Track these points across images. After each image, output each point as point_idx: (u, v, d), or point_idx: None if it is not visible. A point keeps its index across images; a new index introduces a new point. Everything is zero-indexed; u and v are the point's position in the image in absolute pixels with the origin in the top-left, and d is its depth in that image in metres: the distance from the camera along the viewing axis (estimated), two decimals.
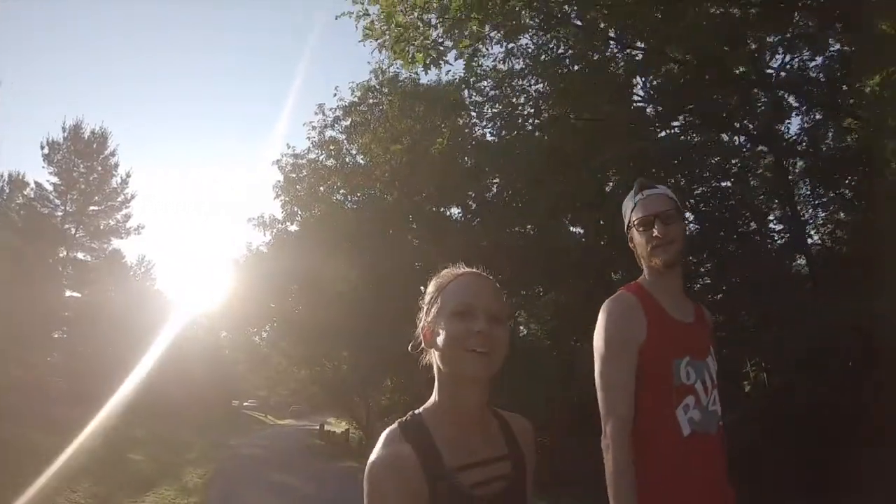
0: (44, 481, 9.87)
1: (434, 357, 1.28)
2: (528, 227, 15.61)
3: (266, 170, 22.00)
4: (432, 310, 1.31)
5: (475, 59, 10.54)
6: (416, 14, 7.71)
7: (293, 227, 22.15)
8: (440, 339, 1.25)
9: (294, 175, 21.81)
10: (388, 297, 16.69)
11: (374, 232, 17.46)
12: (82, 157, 27.85)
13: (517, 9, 8.73)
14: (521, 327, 18.23)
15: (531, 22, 10.02)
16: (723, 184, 14.70)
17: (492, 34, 9.54)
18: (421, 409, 1.29)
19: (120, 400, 20.92)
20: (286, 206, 21.68)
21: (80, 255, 28.74)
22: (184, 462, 15.81)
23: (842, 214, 14.46)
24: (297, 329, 23.84)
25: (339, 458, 19.88)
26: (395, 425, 1.24)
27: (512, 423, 1.40)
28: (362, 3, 7.59)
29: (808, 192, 14.58)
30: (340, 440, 27.02)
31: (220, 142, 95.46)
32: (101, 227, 29.01)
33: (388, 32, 7.81)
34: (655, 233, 2.05)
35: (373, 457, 1.17)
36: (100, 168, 28.51)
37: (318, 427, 32.84)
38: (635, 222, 2.11)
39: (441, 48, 8.37)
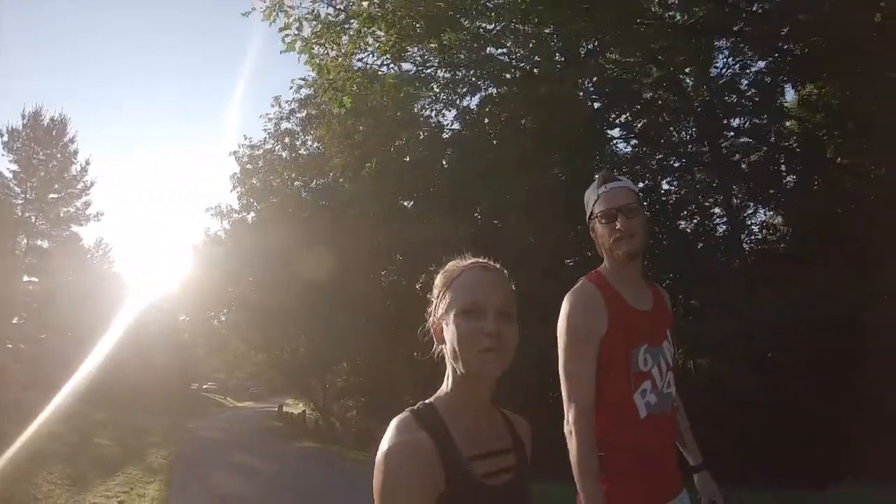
0: (17, 464, 10.71)
1: (446, 351, 1.29)
2: (478, 216, 16.41)
3: (225, 157, 22.54)
4: (441, 305, 1.32)
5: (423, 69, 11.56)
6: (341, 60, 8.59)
7: (251, 215, 22.92)
8: (450, 337, 1.27)
9: (251, 166, 22.57)
10: (345, 282, 17.41)
11: (331, 219, 18.04)
12: (42, 144, 28.23)
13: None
14: None
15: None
16: (664, 183, 15.83)
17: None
18: (432, 398, 1.31)
19: (81, 384, 21.70)
20: (242, 198, 22.46)
21: (39, 243, 28.96)
22: (147, 444, 16.54)
23: (779, 218, 15.63)
24: (254, 314, 24.60)
25: (297, 439, 20.77)
26: (406, 414, 1.26)
27: (513, 419, 1.44)
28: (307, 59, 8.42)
29: (746, 192, 15.41)
30: (298, 421, 27.93)
31: (180, 129, 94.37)
32: (61, 215, 29.30)
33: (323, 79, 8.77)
34: (618, 225, 2.12)
35: (387, 444, 1.17)
36: (59, 155, 28.97)
37: (276, 409, 33.57)
38: (598, 215, 2.18)
39: (369, 74, 9.37)
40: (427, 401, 1.30)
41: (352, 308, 18.46)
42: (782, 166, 14.51)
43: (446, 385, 1.30)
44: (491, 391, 1.32)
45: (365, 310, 18.47)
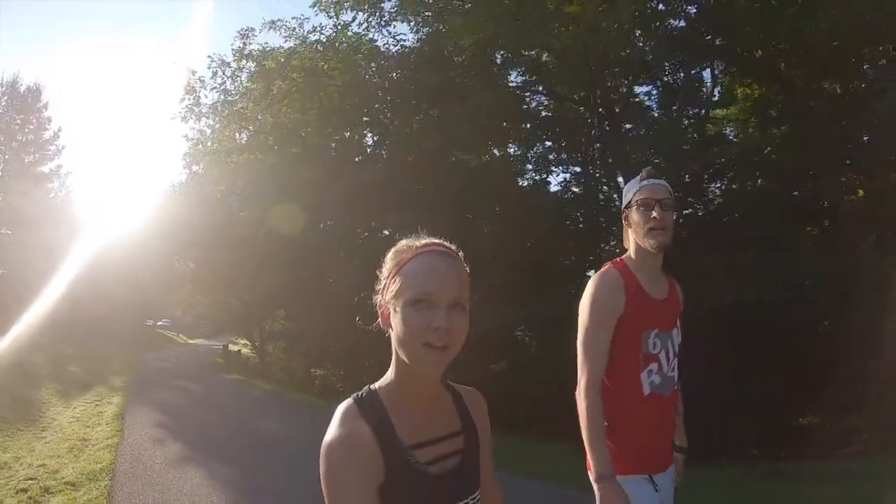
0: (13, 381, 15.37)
1: (392, 337, 1.23)
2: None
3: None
4: (390, 287, 1.23)
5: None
6: None
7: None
8: (396, 326, 1.20)
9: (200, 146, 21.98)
10: (286, 238, 18.18)
11: (278, 175, 17.99)
12: (19, 111, 31.63)
13: None
14: None
15: None
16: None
17: None
18: (376, 385, 1.27)
19: (48, 318, 24.75)
20: (192, 177, 23.59)
21: (14, 200, 31.66)
22: (109, 372, 21.00)
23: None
24: (206, 263, 26.87)
25: (230, 372, 25.45)
26: (350, 401, 1.23)
27: (465, 396, 1.40)
28: None
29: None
30: (235, 359, 31.75)
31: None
32: (37, 174, 32.46)
33: None
34: (654, 214, 2.31)
35: (329, 435, 1.15)
36: (34, 121, 32.37)
37: (222, 347, 36.34)
38: (638, 201, 2.36)
39: None
40: (371, 386, 1.27)
41: (279, 266, 20.00)
42: None
43: (392, 371, 1.27)
44: (438, 379, 1.29)
45: (291, 269, 19.85)
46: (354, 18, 16.42)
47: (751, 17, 12.76)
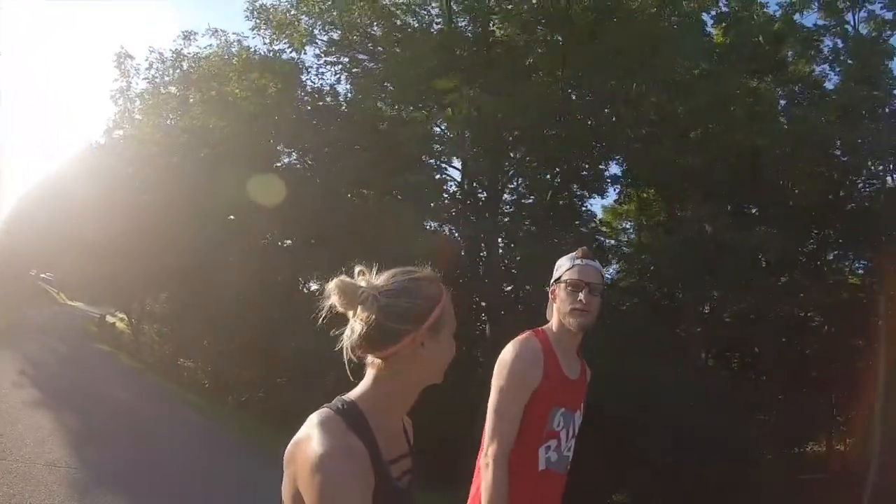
0: None
1: (406, 359, 1.28)
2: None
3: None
4: (435, 318, 1.30)
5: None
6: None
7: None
8: (435, 353, 1.31)
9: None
10: (182, 225, 18.74)
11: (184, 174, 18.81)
12: None
13: None
14: None
15: None
16: None
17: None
18: (355, 398, 1.29)
19: None
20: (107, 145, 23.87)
21: None
22: None
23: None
24: (99, 230, 24.66)
25: (99, 343, 26.35)
26: (332, 413, 1.24)
27: (405, 423, 1.46)
28: None
29: None
30: (108, 331, 31.91)
31: None
32: None
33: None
34: (581, 297, 2.28)
35: (324, 447, 1.15)
36: None
37: (98, 316, 35.71)
38: (567, 281, 2.34)
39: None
40: (348, 398, 1.29)
41: (170, 250, 19.70)
42: None
43: (374, 387, 1.29)
44: (414, 399, 1.35)
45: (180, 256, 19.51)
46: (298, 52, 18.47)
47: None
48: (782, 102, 19.23)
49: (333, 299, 1.27)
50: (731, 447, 13.75)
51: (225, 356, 20.85)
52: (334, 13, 17.74)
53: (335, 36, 18.91)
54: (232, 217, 18.90)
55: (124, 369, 19.46)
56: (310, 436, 1.19)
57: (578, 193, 19.28)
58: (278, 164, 19.72)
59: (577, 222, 18.56)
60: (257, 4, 18.23)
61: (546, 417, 2.28)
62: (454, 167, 19.43)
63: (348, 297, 1.26)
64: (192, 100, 19.46)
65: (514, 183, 19.34)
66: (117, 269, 28.11)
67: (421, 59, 15.83)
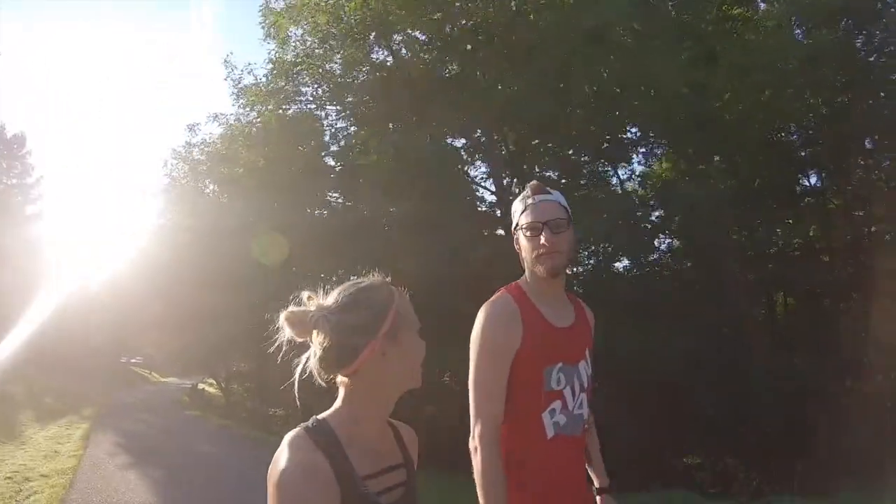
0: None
1: (372, 370, 1.27)
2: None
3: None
4: (391, 321, 1.30)
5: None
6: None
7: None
8: (403, 357, 1.31)
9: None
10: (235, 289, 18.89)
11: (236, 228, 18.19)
12: (4, 157, 35.39)
13: None
14: None
15: None
16: None
17: None
18: (325, 415, 1.29)
19: (29, 352, 26.91)
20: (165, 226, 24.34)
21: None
22: (81, 404, 23.44)
23: None
24: (172, 306, 26.02)
25: (190, 410, 27.63)
26: (300, 431, 1.24)
27: (402, 432, 1.44)
28: None
29: None
30: (199, 397, 33.81)
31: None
32: (20, 216, 35.40)
33: None
34: (542, 240, 2.01)
35: (283, 464, 1.16)
36: (18, 166, 36.16)
37: (191, 386, 37.91)
38: (523, 226, 2.08)
39: None
40: (321, 416, 1.28)
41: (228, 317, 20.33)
42: None
43: (345, 403, 1.30)
44: (391, 409, 1.34)
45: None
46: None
47: None
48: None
49: (288, 332, 1.29)
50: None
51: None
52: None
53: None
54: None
55: (212, 427, 20.38)
56: (278, 455, 1.21)
57: (602, 171, 19.04)
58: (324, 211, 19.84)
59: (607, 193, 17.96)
60: (241, 86, 17.97)
61: (540, 379, 2.02)
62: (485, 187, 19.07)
63: (300, 324, 1.28)
64: (206, 190, 20.86)
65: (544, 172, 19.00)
66: (196, 339, 30.01)
67: None
